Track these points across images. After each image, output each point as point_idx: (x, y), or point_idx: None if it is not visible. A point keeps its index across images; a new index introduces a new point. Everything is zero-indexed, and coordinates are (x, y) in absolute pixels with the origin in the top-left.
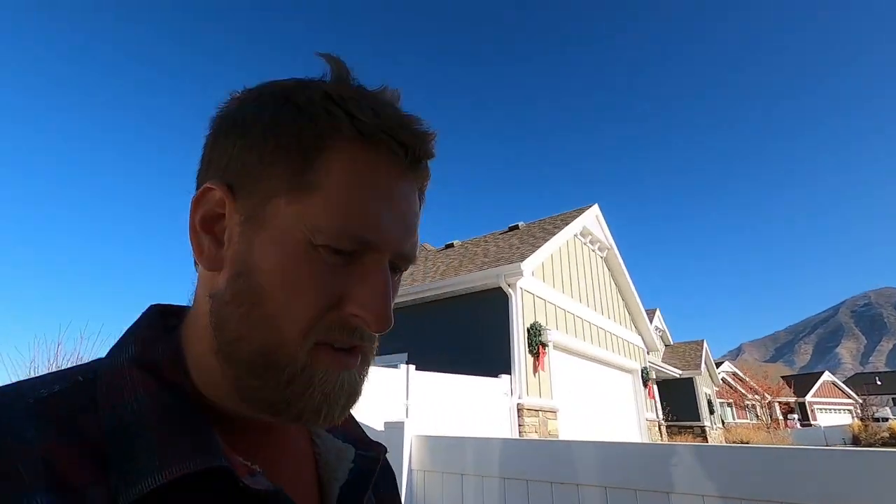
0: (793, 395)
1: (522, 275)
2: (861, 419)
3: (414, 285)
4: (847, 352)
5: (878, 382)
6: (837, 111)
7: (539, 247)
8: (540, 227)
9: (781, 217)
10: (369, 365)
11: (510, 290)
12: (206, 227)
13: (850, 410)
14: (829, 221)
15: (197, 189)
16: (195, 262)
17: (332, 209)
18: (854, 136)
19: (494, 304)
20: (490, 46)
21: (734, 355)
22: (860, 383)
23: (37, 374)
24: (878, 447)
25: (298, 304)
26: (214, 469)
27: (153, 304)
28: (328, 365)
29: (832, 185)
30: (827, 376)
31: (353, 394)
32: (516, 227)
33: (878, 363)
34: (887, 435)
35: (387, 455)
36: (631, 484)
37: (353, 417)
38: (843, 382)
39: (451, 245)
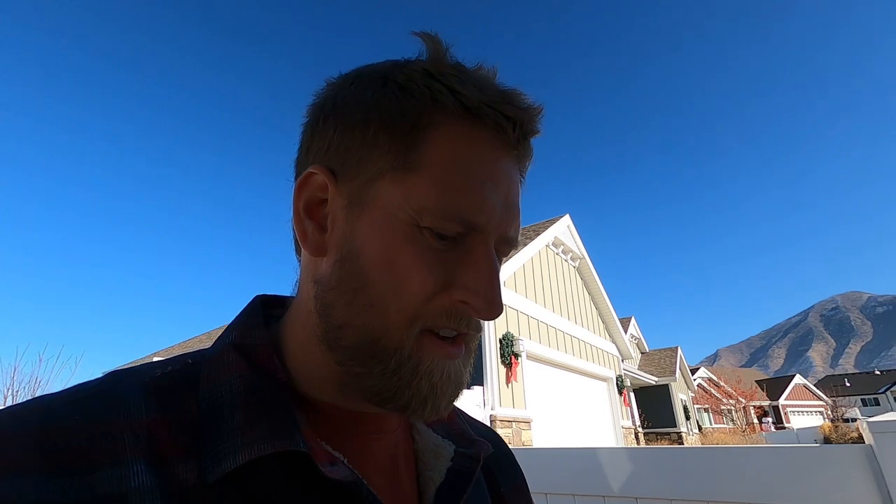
0: (766, 398)
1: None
2: (832, 420)
3: None
4: (818, 355)
5: (847, 384)
6: (799, 114)
7: (511, 257)
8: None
9: (755, 222)
10: (473, 355)
11: None
12: (310, 213)
13: (821, 412)
14: (796, 227)
15: (296, 178)
16: (296, 250)
17: (437, 189)
18: (810, 143)
19: None
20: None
21: (711, 361)
22: (830, 385)
23: None
24: (846, 443)
25: (404, 290)
26: (291, 453)
27: (258, 294)
28: (434, 353)
29: (799, 194)
30: (798, 379)
31: (459, 385)
32: None
33: (847, 365)
34: (856, 435)
35: (486, 452)
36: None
37: (459, 411)
38: (815, 385)
39: None
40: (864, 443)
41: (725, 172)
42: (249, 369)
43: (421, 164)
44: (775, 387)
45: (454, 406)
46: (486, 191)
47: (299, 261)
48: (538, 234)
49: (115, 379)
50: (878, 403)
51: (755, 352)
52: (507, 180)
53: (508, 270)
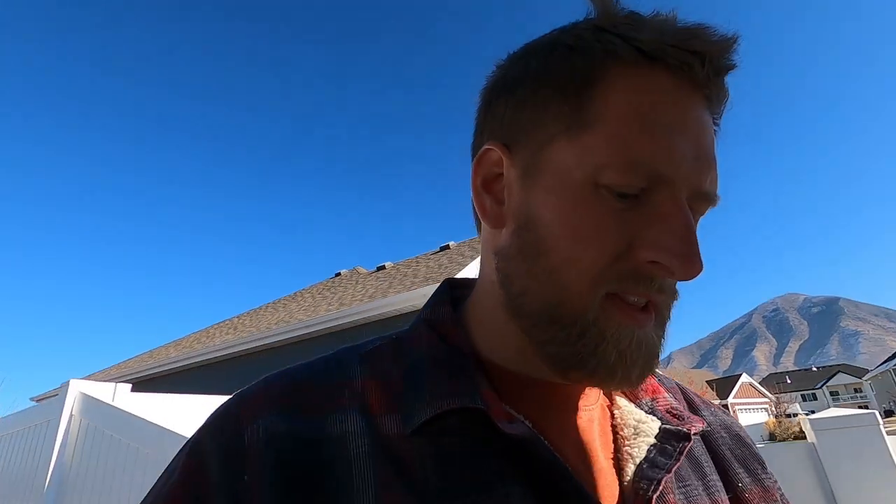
0: (717, 397)
1: None
2: (776, 416)
3: (341, 309)
4: (761, 354)
5: (788, 381)
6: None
7: (466, 265)
8: (470, 247)
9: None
10: (667, 323)
11: None
12: (487, 187)
13: (766, 409)
14: (736, 232)
15: (473, 158)
16: (477, 228)
17: (614, 142)
18: (749, 146)
19: None
20: (419, 73)
21: (665, 364)
22: (773, 383)
23: None
24: (790, 441)
25: (584, 253)
26: (473, 410)
27: (447, 277)
28: (621, 320)
29: (739, 196)
30: (745, 378)
31: (652, 355)
32: (447, 247)
33: (788, 363)
34: (798, 429)
35: None
36: None
37: (675, 386)
38: (759, 383)
39: (383, 267)
40: (806, 439)
41: None
42: (438, 340)
43: (595, 120)
44: (724, 386)
45: (664, 380)
46: (670, 138)
47: (482, 235)
48: None
49: (342, 351)
50: (815, 398)
51: (705, 353)
52: (697, 125)
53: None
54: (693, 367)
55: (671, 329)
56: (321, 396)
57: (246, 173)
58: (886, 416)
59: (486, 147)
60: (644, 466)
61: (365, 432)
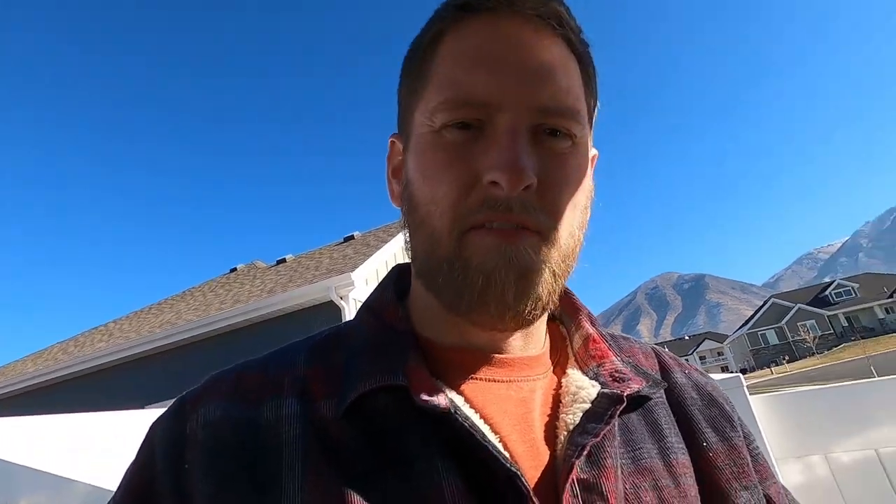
0: None
1: (354, 286)
2: None
3: (237, 307)
4: (645, 328)
5: (667, 350)
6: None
7: (371, 255)
8: (375, 236)
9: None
10: (553, 244)
11: (342, 302)
12: (395, 175)
13: None
14: (628, 215)
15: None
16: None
17: (442, 86)
18: (632, 131)
19: (328, 319)
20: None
21: None
22: None
23: None
24: None
25: (436, 192)
26: (391, 386)
27: (398, 263)
28: (486, 246)
29: (617, 186)
30: None
31: (526, 271)
32: (352, 238)
33: (666, 334)
34: None
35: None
36: None
37: (649, 350)
38: None
39: (284, 260)
40: None
41: None
42: (377, 323)
43: (430, 78)
44: None
45: (639, 345)
46: (489, 66)
47: None
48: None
49: (292, 343)
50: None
51: None
52: (520, 49)
53: (370, 269)
54: None
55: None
56: (262, 385)
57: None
58: (743, 374)
59: (390, 140)
60: (575, 433)
61: (299, 416)
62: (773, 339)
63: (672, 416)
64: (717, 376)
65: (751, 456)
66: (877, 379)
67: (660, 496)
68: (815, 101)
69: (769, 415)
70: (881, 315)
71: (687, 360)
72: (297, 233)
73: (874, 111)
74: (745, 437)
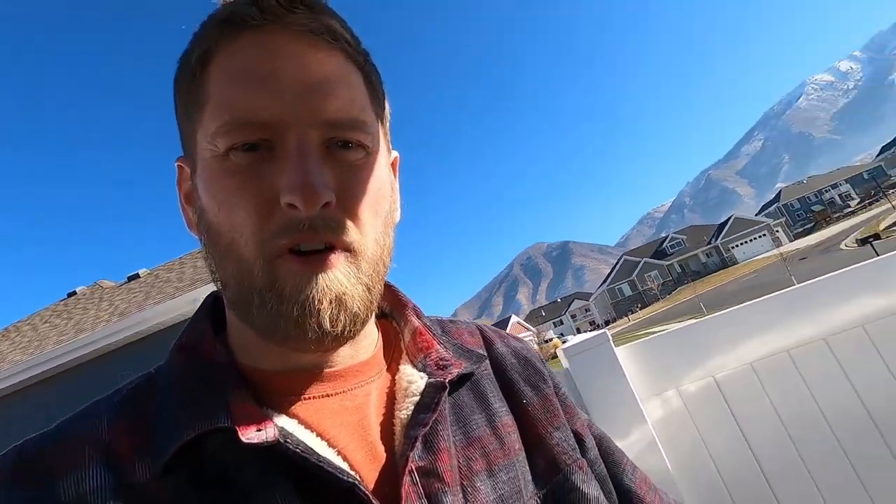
0: None
1: None
2: (538, 344)
3: (80, 337)
4: (523, 296)
5: (543, 314)
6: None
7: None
8: None
9: (458, 197)
10: (363, 257)
11: None
12: (189, 200)
13: (532, 340)
14: (498, 191)
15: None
16: None
17: (217, 108)
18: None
19: None
20: None
21: None
22: (534, 318)
23: None
24: (552, 364)
25: (237, 222)
26: (214, 430)
27: (213, 291)
28: (297, 274)
29: (485, 166)
30: (514, 318)
31: (343, 294)
32: None
33: (541, 299)
34: (553, 351)
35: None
36: None
37: (474, 328)
38: (524, 320)
39: (137, 276)
40: (563, 367)
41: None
42: (185, 363)
43: (205, 99)
44: (500, 328)
45: (462, 325)
46: (262, 84)
47: None
48: None
49: (92, 403)
50: (562, 323)
51: (482, 304)
52: (294, 62)
53: None
54: (476, 318)
55: (458, 288)
56: (57, 459)
57: None
58: (606, 325)
59: (176, 164)
60: (409, 427)
61: (108, 487)
62: (627, 291)
63: (496, 382)
64: (589, 334)
65: (559, 401)
66: (707, 317)
67: (488, 460)
68: (623, 91)
69: (631, 361)
70: (703, 259)
71: (561, 319)
72: (147, 243)
73: (687, 87)
74: (554, 386)
